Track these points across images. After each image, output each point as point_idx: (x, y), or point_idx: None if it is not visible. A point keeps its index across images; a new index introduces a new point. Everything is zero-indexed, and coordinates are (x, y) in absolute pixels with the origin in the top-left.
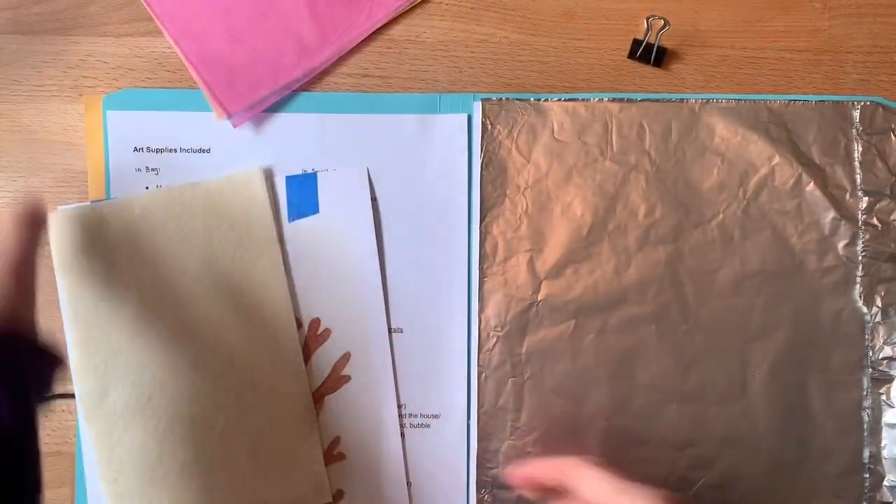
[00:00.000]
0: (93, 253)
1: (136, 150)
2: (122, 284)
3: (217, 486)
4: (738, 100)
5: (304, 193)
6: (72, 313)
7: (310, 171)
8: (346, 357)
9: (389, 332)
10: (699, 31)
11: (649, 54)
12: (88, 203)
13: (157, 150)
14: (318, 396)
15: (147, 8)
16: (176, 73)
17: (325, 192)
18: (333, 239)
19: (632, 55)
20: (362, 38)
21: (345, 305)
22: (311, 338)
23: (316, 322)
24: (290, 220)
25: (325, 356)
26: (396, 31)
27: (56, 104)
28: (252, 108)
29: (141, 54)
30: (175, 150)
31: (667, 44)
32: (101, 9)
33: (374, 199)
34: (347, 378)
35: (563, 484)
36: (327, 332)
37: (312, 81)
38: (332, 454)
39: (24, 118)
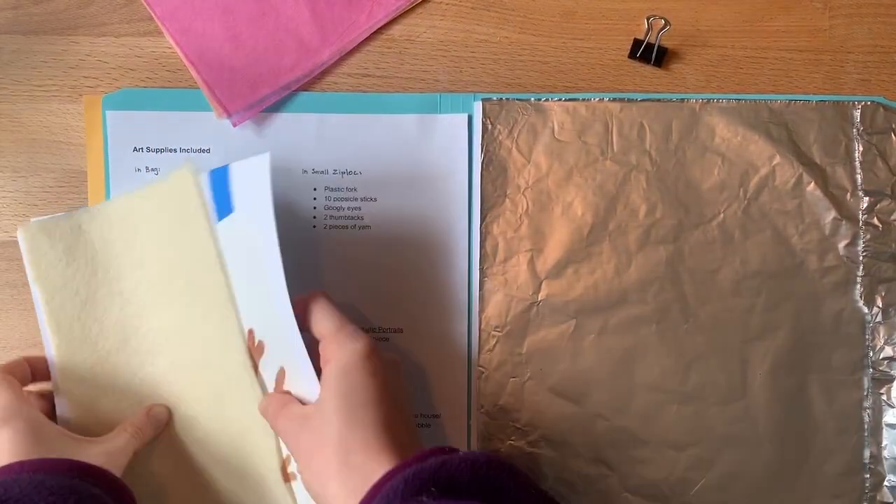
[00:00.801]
0: (71, 262)
1: (135, 150)
2: (104, 292)
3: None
4: (739, 100)
5: (221, 190)
6: (53, 324)
7: (264, 167)
8: (282, 372)
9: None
10: (699, 31)
11: (650, 54)
12: (62, 214)
13: (157, 150)
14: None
15: (147, 8)
16: (176, 73)
17: (237, 187)
18: (247, 241)
19: (632, 55)
20: (362, 38)
21: (269, 314)
22: (253, 350)
23: (250, 333)
24: (218, 220)
25: (267, 370)
26: (396, 31)
27: (56, 104)
28: (252, 108)
29: (141, 54)
30: (175, 150)
31: (667, 44)
32: (101, 9)
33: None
34: (289, 394)
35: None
36: (261, 344)
37: (312, 81)
38: (288, 473)
39: (24, 118)
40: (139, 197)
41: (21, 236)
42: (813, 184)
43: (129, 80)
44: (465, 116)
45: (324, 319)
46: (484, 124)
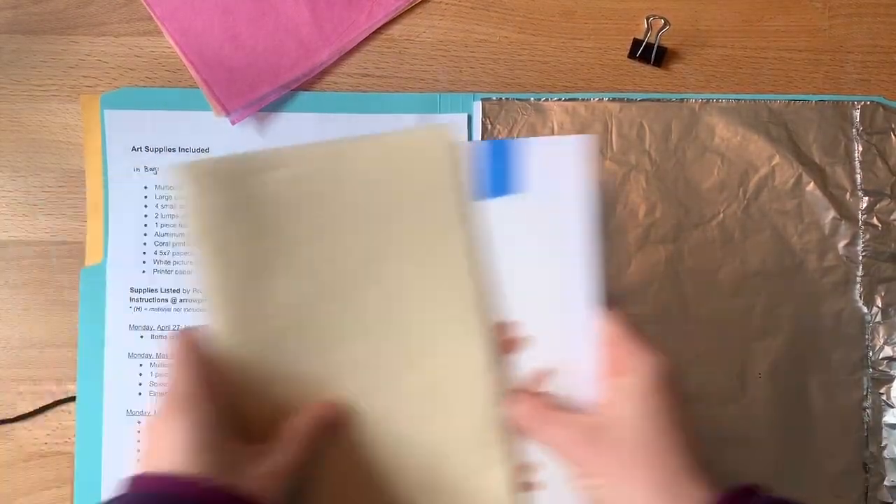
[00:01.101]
0: (237, 212)
1: (134, 149)
2: (285, 257)
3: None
4: (738, 100)
5: (501, 166)
6: (217, 292)
7: (588, 148)
8: (547, 372)
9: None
10: (699, 30)
11: (649, 54)
12: (239, 154)
13: (155, 150)
14: None
15: (147, 7)
16: (176, 73)
17: (538, 165)
18: (540, 226)
19: (632, 55)
20: (362, 38)
21: (550, 309)
22: (505, 344)
23: (510, 326)
24: (487, 198)
25: (524, 366)
26: (396, 30)
27: (56, 104)
28: (251, 106)
29: (141, 54)
30: (174, 150)
31: (667, 44)
32: (100, 8)
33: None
34: (548, 397)
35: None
36: (527, 339)
37: (312, 81)
38: (523, 482)
39: (24, 118)
40: (358, 148)
41: (183, 178)
42: (812, 184)
43: (128, 80)
44: (464, 116)
45: (613, 323)
46: (484, 124)
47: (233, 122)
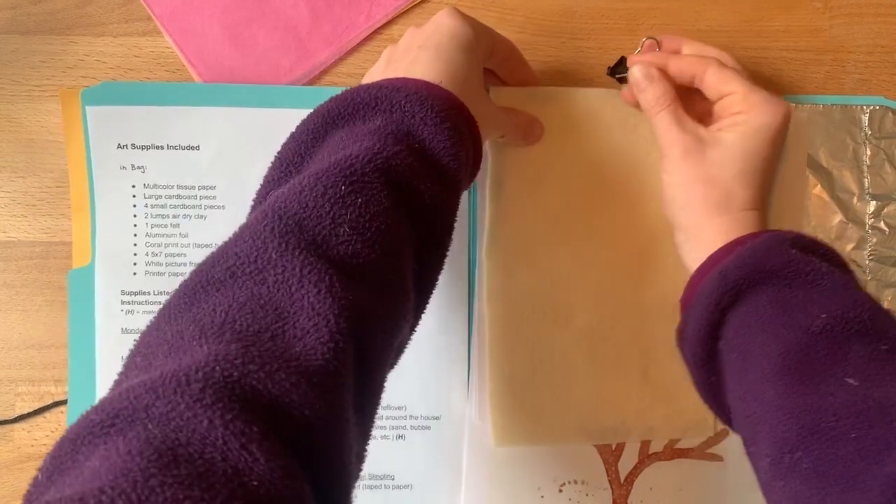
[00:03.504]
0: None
1: (119, 146)
2: (549, 174)
3: (601, 396)
4: None
5: None
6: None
7: None
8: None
9: None
10: (699, 31)
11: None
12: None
13: (143, 147)
14: None
15: (146, 7)
16: (175, 73)
17: None
18: None
19: (612, 73)
20: (361, 39)
21: None
22: None
23: None
24: None
25: None
26: (396, 31)
27: (54, 104)
28: None
29: (140, 54)
30: (162, 147)
31: None
32: (99, 8)
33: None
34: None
35: (696, 76)
36: None
37: (311, 81)
38: None
39: (23, 118)
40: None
41: None
42: (819, 187)
43: (127, 80)
44: None
45: (736, 78)
46: None
47: None
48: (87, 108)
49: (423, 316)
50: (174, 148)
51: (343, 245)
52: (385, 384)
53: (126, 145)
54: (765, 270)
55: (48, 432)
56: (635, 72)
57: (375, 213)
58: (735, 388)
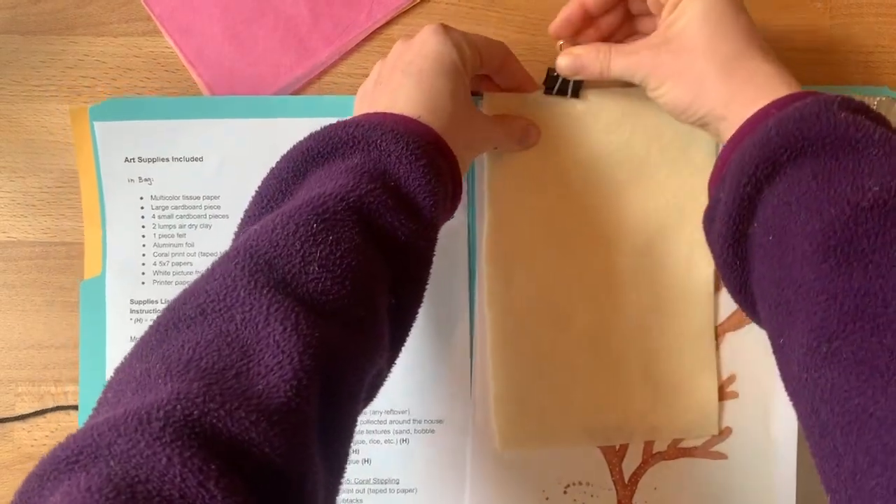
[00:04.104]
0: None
1: (127, 160)
2: (546, 178)
3: (603, 397)
4: None
5: None
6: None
7: None
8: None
9: None
10: None
11: (566, 87)
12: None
13: (149, 160)
14: (721, 331)
15: (146, 7)
16: (175, 73)
17: None
18: None
19: (549, 90)
20: (362, 38)
21: None
22: None
23: None
24: None
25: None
26: (396, 31)
27: (54, 104)
28: None
29: (139, 54)
30: (167, 160)
31: None
32: (99, 9)
33: None
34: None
35: None
36: None
37: (311, 81)
38: (726, 391)
39: (23, 118)
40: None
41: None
42: None
43: (127, 80)
44: None
45: None
46: None
47: None
48: (95, 123)
49: (423, 318)
50: (179, 160)
51: (313, 283)
52: (358, 420)
53: (133, 158)
54: (809, 138)
55: (48, 432)
56: (561, 64)
57: (346, 251)
58: (768, 273)
